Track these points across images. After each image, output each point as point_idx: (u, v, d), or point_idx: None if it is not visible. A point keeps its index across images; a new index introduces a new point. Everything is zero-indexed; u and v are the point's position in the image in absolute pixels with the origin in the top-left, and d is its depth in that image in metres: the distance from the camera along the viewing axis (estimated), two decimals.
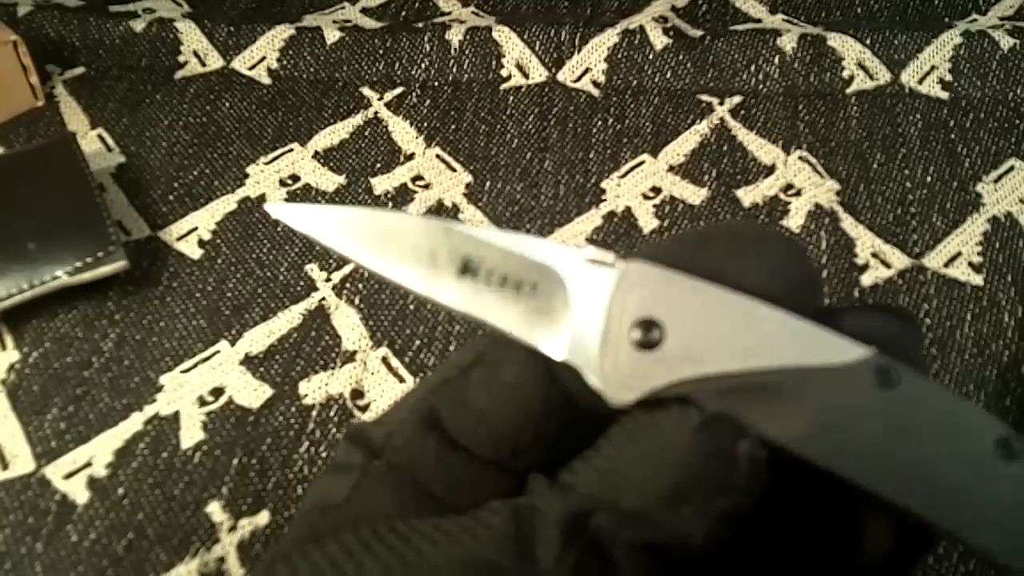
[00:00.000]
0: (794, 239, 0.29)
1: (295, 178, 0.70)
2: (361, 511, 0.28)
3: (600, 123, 0.73)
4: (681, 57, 0.76)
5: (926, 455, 0.25)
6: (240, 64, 0.78)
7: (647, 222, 0.66)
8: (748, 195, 0.67)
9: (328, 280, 0.63)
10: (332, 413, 0.56)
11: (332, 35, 0.79)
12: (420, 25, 0.79)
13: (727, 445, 0.24)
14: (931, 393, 0.26)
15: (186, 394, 0.58)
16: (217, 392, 0.58)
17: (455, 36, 0.77)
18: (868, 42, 0.75)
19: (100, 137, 0.73)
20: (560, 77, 0.76)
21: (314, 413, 0.57)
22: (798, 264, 0.28)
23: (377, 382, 0.58)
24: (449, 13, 0.84)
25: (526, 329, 0.28)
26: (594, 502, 0.25)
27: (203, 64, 0.79)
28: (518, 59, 0.77)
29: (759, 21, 0.81)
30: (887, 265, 0.63)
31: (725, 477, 0.24)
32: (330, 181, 0.70)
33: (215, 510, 0.52)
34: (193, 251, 0.65)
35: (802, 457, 0.25)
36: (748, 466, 0.24)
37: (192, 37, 0.79)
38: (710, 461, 0.25)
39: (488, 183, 0.69)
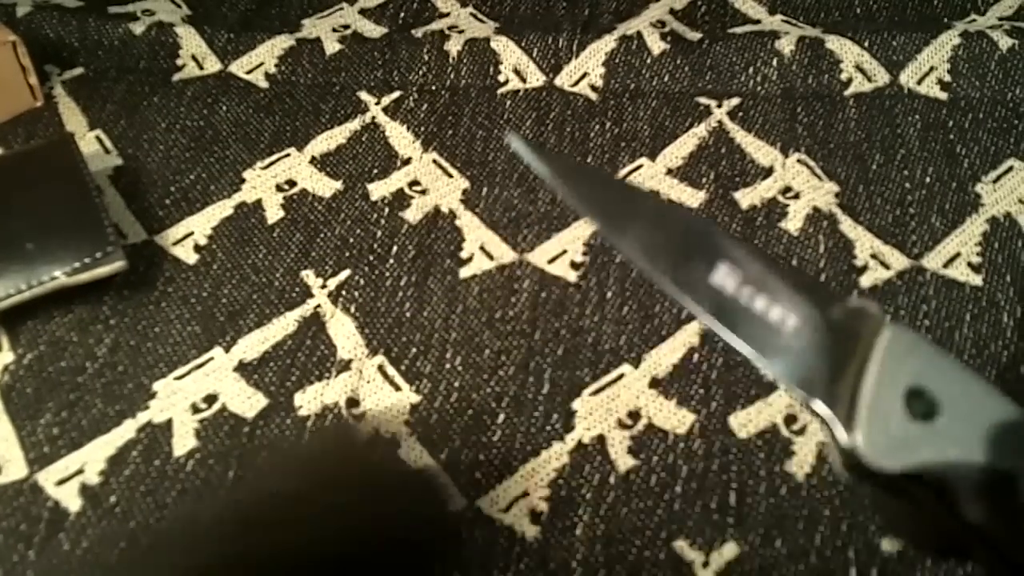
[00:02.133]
0: None
1: (292, 183, 0.70)
2: None
3: (598, 127, 0.73)
4: (679, 61, 0.76)
5: None
6: (238, 68, 0.78)
7: None
8: (746, 197, 0.67)
9: (324, 287, 0.63)
10: (327, 423, 0.56)
11: (331, 46, 0.78)
12: (419, 36, 0.79)
13: None
14: None
15: (179, 401, 0.57)
16: (211, 399, 0.57)
17: (453, 47, 0.77)
18: (866, 44, 0.75)
19: (98, 139, 0.73)
20: (558, 82, 0.76)
21: (309, 424, 0.56)
22: None
23: (373, 391, 0.58)
24: (448, 14, 0.83)
25: (769, 359, 0.27)
26: None
27: (201, 67, 0.79)
28: (515, 64, 0.77)
29: (758, 22, 0.80)
30: (886, 266, 0.63)
31: None
32: (327, 186, 0.69)
33: None
34: (189, 256, 0.65)
35: None
36: None
37: (191, 41, 0.79)
38: None
39: (485, 188, 0.69)
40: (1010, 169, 0.68)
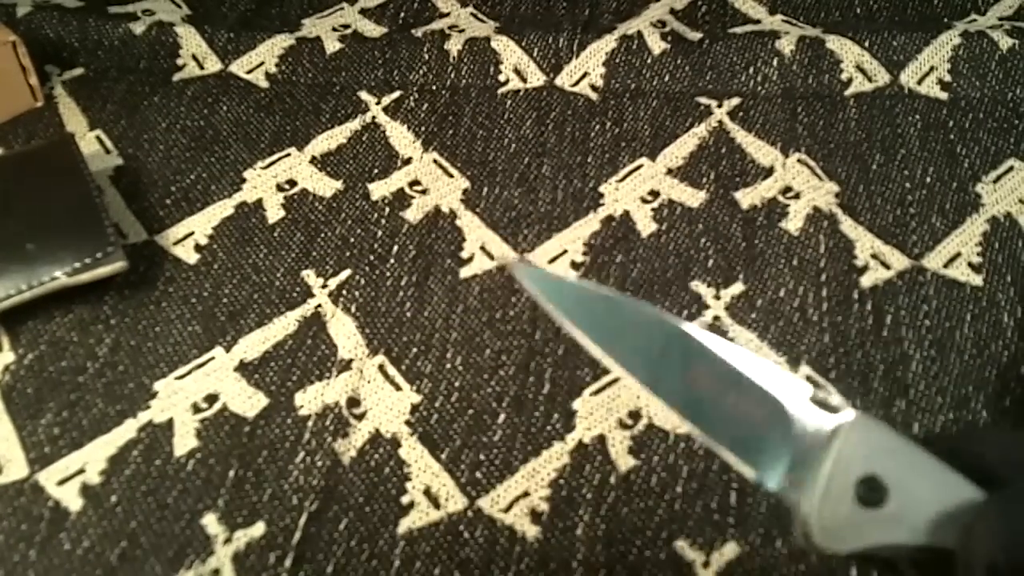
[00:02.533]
0: None
1: (292, 183, 0.70)
2: None
3: (598, 127, 0.73)
4: (679, 61, 0.76)
5: None
6: (238, 68, 0.78)
7: (645, 226, 0.66)
8: (747, 197, 0.67)
9: (324, 287, 0.63)
10: (328, 423, 0.56)
11: (332, 45, 0.78)
12: (419, 35, 0.79)
13: None
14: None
15: (180, 401, 0.57)
16: (211, 399, 0.57)
17: (454, 46, 0.77)
18: (867, 44, 0.75)
19: (98, 138, 0.73)
20: (558, 82, 0.76)
21: (310, 423, 0.56)
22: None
23: (374, 390, 0.58)
24: (448, 14, 0.83)
25: (741, 452, 0.29)
26: None
27: (201, 67, 0.79)
28: (516, 64, 0.77)
29: (758, 22, 0.80)
30: (887, 266, 0.63)
31: None
32: (327, 186, 0.69)
33: (210, 522, 0.52)
34: (189, 256, 0.65)
35: None
36: None
37: (191, 41, 0.79)
38: None
39: (485, 188, 0.69)
40: (1010, 169, 0.68)
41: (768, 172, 0.69)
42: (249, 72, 0.78)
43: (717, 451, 0.30)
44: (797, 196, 0.67)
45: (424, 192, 0.69)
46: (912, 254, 0.64)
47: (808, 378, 0.57)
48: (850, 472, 0.28)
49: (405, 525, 0.52)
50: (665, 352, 0.30)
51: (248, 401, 0.57)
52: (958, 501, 0.28)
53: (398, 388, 0.58)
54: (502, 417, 0.56)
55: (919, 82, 0.74)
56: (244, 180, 0.70)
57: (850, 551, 0.28)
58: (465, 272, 0.64)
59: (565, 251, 0.65)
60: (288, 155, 0.72)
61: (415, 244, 0.66)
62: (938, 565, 0.28)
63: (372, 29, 0.81)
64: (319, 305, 0.62)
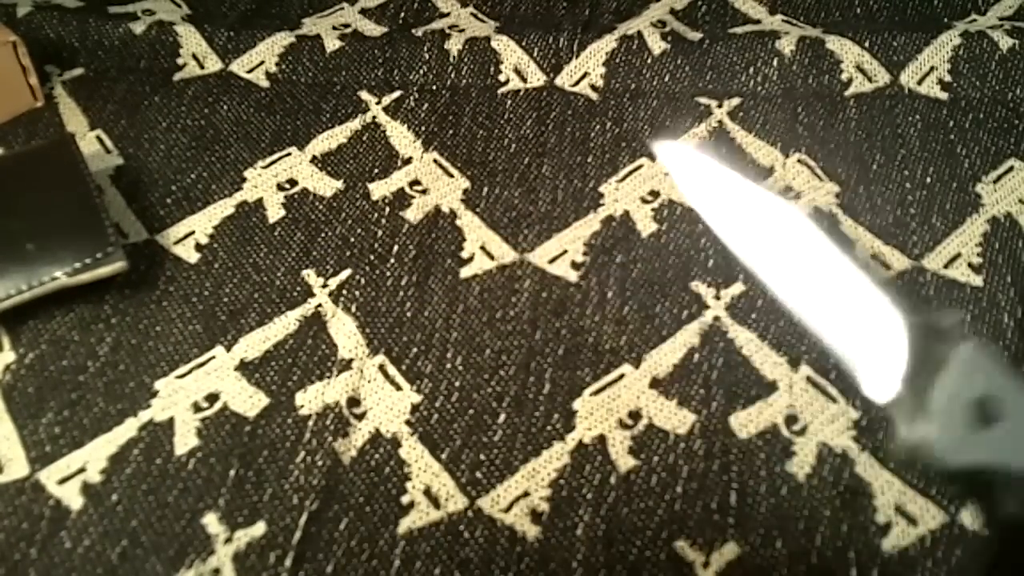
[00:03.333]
0: None
1: (293, 182, 0.70)
2: None
3: (598, 127, 0.73)
4: (679, 61, 0.76)
5: None
6: (238, 67, 0.78)
7: (646, 226, 0.66)
8: None
9: (325, 286, 0.63)
10: (328, 422, 0.56)
11: (332, 44, 0.78)
12: (419, 35, 0.79)
13: None
14: None
15: (181, 400, 0.57)
16: (212, 398, 0.58)
17: (454, 46, 0.77)
18: (867, 45, 0.75)
19: (99, 138, 0.73)
20: (558, 82, 0.76)
21: (310, 423, 0.56)
22: None
23: (374, 390, 0.58)
24: (448, 14, 0.83)
25: (857, 363, 0.31)
26: None
27: (201, 67, 0.79)
28: (516, 64, 0.77)
29: (759, 22, 0.80)
30: (887, 267, 0.63)
31: None
32: (328, 186, 0.69)
33: (211, 521, 0.52)
34: (190, 255, 0.65)
35: None
36: None
37: (191, 40, 0.79)
38: None
39: (486, 188, 0.69)
40: (1010, 169, 0.68)
41: (768, 172, 0.69)
42: (249, 71, 0.78)
43: (832, 356, 0.31)
44: (797, 196, 0.67)
45: (424, 192, 0.69)
46: (912, 255, 0.64)
47: (808, 379, 0.57)
48: (965, 392, 0.29)
49: (405, 525, 0.52)
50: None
51: (249, 400, 0.57)
52: None
53: (398, 388, 0.58)
54: (502, 417, 0.56)
55: (919, 82, 0.74)
56: (245, 179, 0.70)
57: (957, 467, 0.29)
58: (465, 272, 0.64)
59: (565, 251, 0.65)
60: (289, 154, 0.72)
61: (415, 244, 0.66)
62: None
63: (372, 29, 0.81)
64: (319, 305, 0.62)
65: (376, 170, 0.71)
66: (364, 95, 0.76)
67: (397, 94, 0.76)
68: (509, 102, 0.75)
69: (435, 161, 0.71)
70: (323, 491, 0.53)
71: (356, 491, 0.53)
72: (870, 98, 0.74)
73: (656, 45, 0.76)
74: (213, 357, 0.60)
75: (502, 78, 0.76)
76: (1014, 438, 0.29)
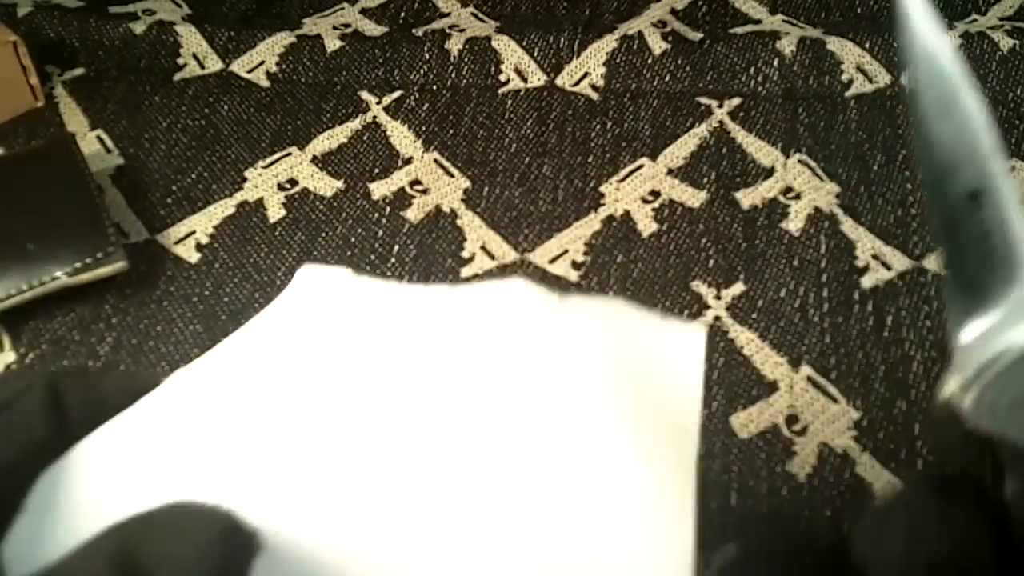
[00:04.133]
0: None
1: (293, 182, 0.70)
2: None
3: (599, 127, 0.73)
4: (680, 61, 0.76)
5: None
6: (239, 67, 0.78)
7: (646, 226, 0.66)
8: (747, 198, 0.67)
9: None
10: None
11: (332, 44, 0.78)
12: (420, 34, 0.79)
13: None
14: None
15: None
16: None
17: (454, 46, 0.77)
18: (867, 45, 0.75)
19: (99, 138, 0.73)
20: (559, 81, 0.76)
21: None
22: None
23: None
24: (448, 14, 0.83)
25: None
26: None
27: (202, 67, 0.79)
28: (516, 64, 0.77)
29: (759, 22, 0.80)
30: (888, 267, 0.63)
31: None
32: (328, 186, 0.69)
33: None
34: (191, 255, 0.65)
35: None
36: None
37: (192, 40, 0.79)
38: None
39: (486, 188, 0.69)
40: (1011, 169, 0.68)
41: (769, 172, 0.69)
42: (250, 71, 0.78)
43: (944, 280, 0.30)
44: (798, 196, 0.67)
45: (425, 192, 0.69)
46: (913, 255, 0.64)
47: (809, 379, 0.57)
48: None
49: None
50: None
51: None
52: None
53: None
54: None
55: None
56: (245, 179, 0.70)
57: (997, 431, 0.28)
58: (466, 272, 0.64)
59: (566, 251, 0.65)
60: (289, 154, 0.72)
61: (416, 244, 0.66)
62: None
63: (373, 28, 0.81)
64: None
65: (376, 170, 0.71)
66: (364, 95, 0.76)
67: (397, 94, 0.76)
68: (510, 102, 0.75)
69: (435, 161, 0.71)
70: None
71: None
72: (871, 99, 0.74)
73: (656, 45, 0.76)
74: None
75: (503, 78, 0.77)
76: None
